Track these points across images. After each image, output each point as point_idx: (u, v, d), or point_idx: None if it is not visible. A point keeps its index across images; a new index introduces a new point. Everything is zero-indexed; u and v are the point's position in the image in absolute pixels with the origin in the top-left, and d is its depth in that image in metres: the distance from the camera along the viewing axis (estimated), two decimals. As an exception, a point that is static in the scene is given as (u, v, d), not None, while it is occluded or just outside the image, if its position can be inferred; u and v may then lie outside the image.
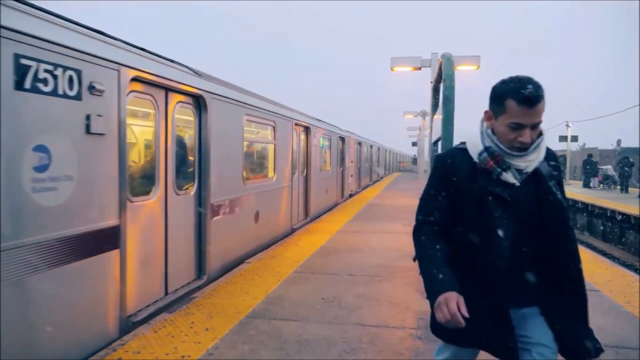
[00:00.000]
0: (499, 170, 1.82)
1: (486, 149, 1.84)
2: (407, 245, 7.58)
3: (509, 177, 1.83)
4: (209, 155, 5.35)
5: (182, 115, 5.15)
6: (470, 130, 1.93)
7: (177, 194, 4.87)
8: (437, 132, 5.69)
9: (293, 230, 8.96)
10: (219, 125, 5.63)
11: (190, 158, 5.28)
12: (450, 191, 1.92)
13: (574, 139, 30.54)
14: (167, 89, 4.65)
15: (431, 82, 8.04)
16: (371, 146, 24.98)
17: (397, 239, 8.21)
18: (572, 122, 29.58)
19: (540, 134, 1.84)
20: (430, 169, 2.00)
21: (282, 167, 8.49)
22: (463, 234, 1.89)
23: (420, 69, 8.85)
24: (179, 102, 4.92)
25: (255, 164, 7.94)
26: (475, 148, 1.88)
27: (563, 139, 30.29)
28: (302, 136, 10.27)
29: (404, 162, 54.43)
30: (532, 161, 1.83)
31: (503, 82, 1.80)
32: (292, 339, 3.71)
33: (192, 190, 5.22)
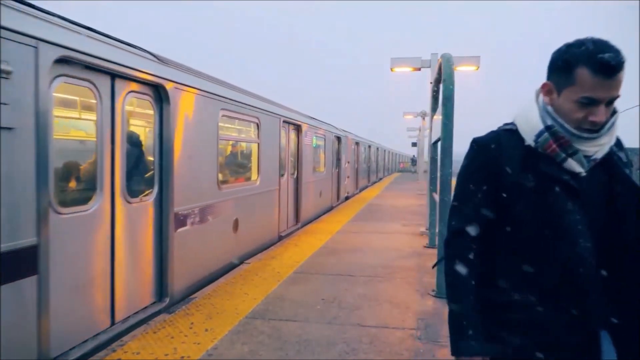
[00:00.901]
0: (563, 155, 1.45)
1: (547, 128, 1.46)
2: (407, 245, 7.59)
3: (574, 165, 1.45)
4: (173, 156, 4.54)
5: (138, 108, 4.42)
6: (523, 107, 1.57)
7: (129, 202, 4.04)
8: (437, 132, 5.69)
9: (280, 238, 8.23)
10: (186, 121, 4.83)
11: (150, 159, 4.51)
12: (495, 184, 1.51)
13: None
14: (114, 75, 3.82)
15: (431, 83, 8.04)
16: (369, 146, 24.31)
17: (397, 239, 8.21)
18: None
19: (614, 111, 1.47)
20: (466, 157, 1.61)
21: (268, 168, 7.68)
22: (515, 237, 1.50)
23: (420, 69, 8.86)
24: (132, 91, 4.08)
25: (235, 165, 7.22)
26: (530, 128, 1.49)
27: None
28: (293, 135, 9.50)
29: (404, 163, 54.44)
30: (603, 145, 1.46)
31: (570, 46, 1.42)
32: (292, 340, 3.70)
33: (151, 197, 4.40)
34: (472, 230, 1.54)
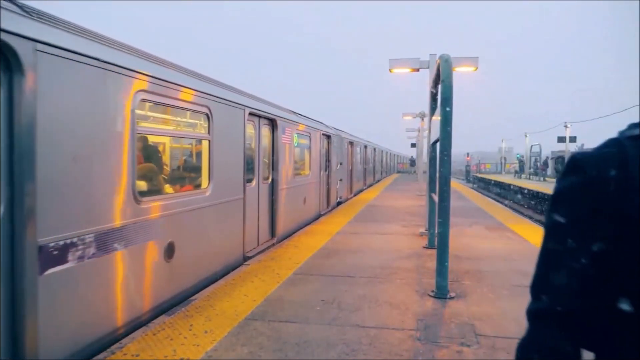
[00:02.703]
0: None
1: None
2: (407, 246, 7.59)
3: None
4: (34, 155, 3.00)
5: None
6: None
7: None
8: (436, 133, 5.70)
9: (247, 259, 6.68)
10: (64, 102, 3.30)
11: None
12: (614, 234, 0.92)
13: (573, 139, 30.64)
14: None
15: (429, 84, 8.05)
16: (365, 146, 22.92)
17: (397, 240, 8.21)
18: (571, 122, 29.70)
19: None
20: (562, 187, 1.03)
21: (226, 173, 6.07)
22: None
23: (418, 70, 8.87)
24: None
25: (172, 170, 5.87)
26: None
27: (562, 139, 30.40)
28: (265, 132, 7.95)
29: (403, 164, 54.48)
30: None
31: None
32: (291, 341, 3.70)
33: None
34: (571, 317, 0.97)
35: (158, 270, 4.48)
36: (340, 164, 15.06)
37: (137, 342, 3.62)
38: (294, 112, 10.30)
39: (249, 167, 7.08)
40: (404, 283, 5.39)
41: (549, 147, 43.68)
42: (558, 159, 31.33)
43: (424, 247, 7.45)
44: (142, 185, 4.55)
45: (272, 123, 8.20)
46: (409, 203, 14.81)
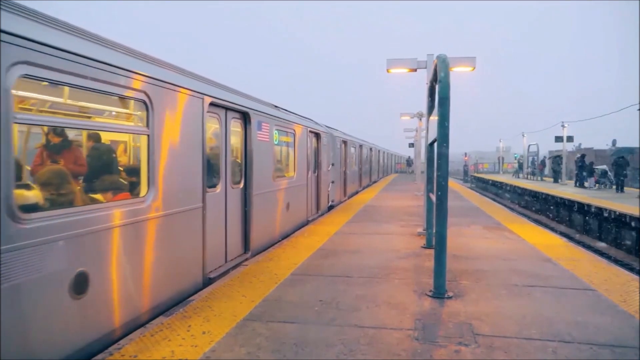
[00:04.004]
0: None
1: None
2: (405, 246, 7.60)
3: None
4: None
5: None
6: None
7: None
8: (434, 133, 5.71)
9: (210, 281, 5.51)
10: None
11: None
12: None
13: (570, 139, 30.71)
14: None
15: (427, 84, 8.07)
16: (361, 146, 21.86)
17: (395, 240, 8.22)
18: (568, 122, 29.75)
19: None
20: None
21: (174, 176, 4.85)
22: None
23: (416, 70, 8.89)
24: None
25: (89, 174, 4.22)
26: None
27: (559, 139, 30.46)
28: (236, 127, 6.78)
29: (402, 164, 54.55)
30: None
31: None
32: (289, 341, 3.70)
33: None
34: None
35: (58, 312, 3.31)
36: (333, 164, 14.11)
37: (135, 344, 3.62)
38: (276, 106, 9.09)
39: (212, 169, 5.95)
40: (402, 283, 5.39)
41: (547, 147, 43.79)
42: (555, 158, 31.38)
43: (422, 247, 7.46)
44: (32, 196, 3.45)
45: (245, 117, 6.95)
46: (407, 203, 14.83)
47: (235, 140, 6.84)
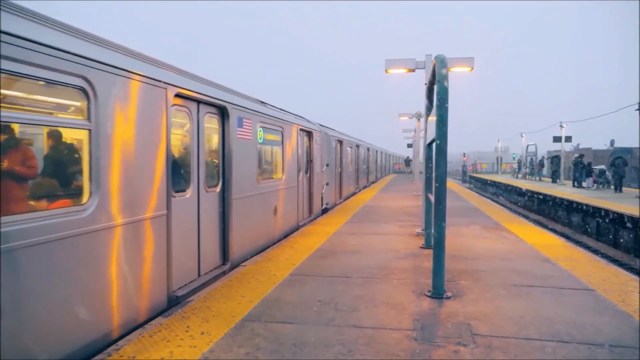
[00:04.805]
0: None
1: None
2: (403, 246, 7.60)
3: None
4: None
5: None
6: None
7: None
8: (432, 133, 5.71)
9: (176, 300, 4.82)
10: None
11: None
12: None
13: (568, 139, 30.77)
14: None
15: (425, 84, 8.07)
16: (357, 146, 21.18)
17: (393, 240, 8.22)
18: (566, 122, 29.81)
19: None
20: None
21: (127, 179, 4.09)
22: None
23: (414, 70, 8.89)
24: None
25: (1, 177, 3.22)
26: None
27: (557, 139, 30.51)
28: (211, 123, 6.06)
29: (400, 164, 54.61)
30: None
31: None
32: (288, 342, 3.70)
33: None
34: None
35: None
36: (327, 165, 13.45)
37: (134, 344, 3.61)
38: (263, 102, 8.51)
39: (181, 171, 5.32)
40: (400, 283, 5.39)
41: (545, 147, 43.83)
42: (554, 158, 31.43)
43: (421, 247, 7.46)
44: None
45: (223, 112, 6.24)
46: (405, 203, 14.84)
47: (211, 138, 6.17)
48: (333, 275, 5.74)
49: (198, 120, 5.65)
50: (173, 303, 4.78)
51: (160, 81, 4.64)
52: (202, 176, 5.71)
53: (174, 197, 4.96)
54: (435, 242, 4.92)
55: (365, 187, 24.08)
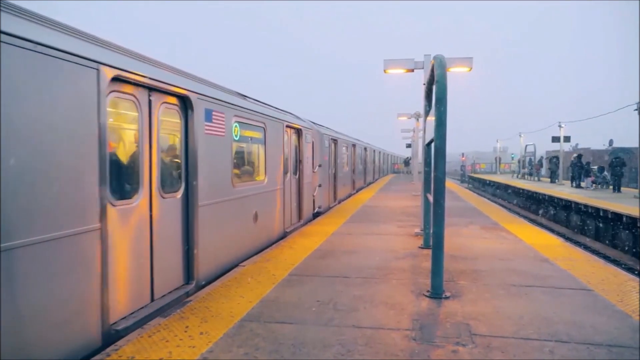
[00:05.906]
0: None
1: None
2: (402, 246, 7.61)
3: None
4: None
5: None
6: None
7: None
8: (431, 133, 5.71)
9: (116, 336, 3.88)
10: None
11: None
12: None
13: (567, 139, 30.81)
14: None
15: (424, 84, 8.08)
16: (354, 145, 20.22)
17: (392, 240, 8.22)
18: (565, 122, 29.85)
19: None
20: None
21: (32, 186, 3.11)
22: None
23: (413, 70, 8.89)
24: None
25: None
26: None
27: (556, 139, 30.55)
28: (166, 115, 5.04)
29: (399, 165, 54.64)
30: None
31: None
32: (287, 342, 3.70)
33: None
34: None
35: None
36: (320, 165, 12.54)
37: (133, 344, 3.61)
38: (243, 96, 7.66)
39: (124, 173, 4.35)
40: (399, 283, 5.40)
41: (544, 147, 43.87)
42: (552, 158, 31.47)
43: (420, 247, 7.46)
44: None
45: (185, 103, 5.30)
46: (404, 204, 14.85)
47: (170, 133, 5.26)
48: (332, 276, 5.74)
49: (150, 111, 4.66)
50: (113, 338, 3.83)
51: (88, 59, 3.62)
52: (155, 179, 4.72)
53: (114, 205, 4.04)
54: (434, 242, 4.92)
55: (362, 188, 23.44)
